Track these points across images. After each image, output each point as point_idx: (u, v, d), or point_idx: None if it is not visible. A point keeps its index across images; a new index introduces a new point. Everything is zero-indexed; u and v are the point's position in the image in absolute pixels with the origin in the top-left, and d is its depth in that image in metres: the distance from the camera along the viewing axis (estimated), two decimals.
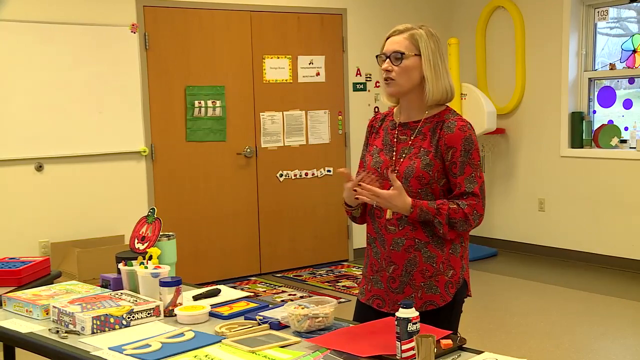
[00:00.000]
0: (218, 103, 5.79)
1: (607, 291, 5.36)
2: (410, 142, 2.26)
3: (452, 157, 2.20)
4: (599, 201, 6.07)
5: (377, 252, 2.31)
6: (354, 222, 2.44)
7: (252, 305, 2.30)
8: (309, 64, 6.25)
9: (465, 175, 2.20)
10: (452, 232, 2.21)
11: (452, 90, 2.26)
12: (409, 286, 2.25)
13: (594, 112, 6.27)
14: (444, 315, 2.24)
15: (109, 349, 1.94)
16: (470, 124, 2.26)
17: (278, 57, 6.09)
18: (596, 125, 6.22)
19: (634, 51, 5.94)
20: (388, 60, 2.23)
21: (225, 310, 2.25)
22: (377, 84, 6.70)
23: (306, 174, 6.29)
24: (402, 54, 2.21)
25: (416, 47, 2.21)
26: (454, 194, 2.21)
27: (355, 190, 2.20)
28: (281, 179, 6.16)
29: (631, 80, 6.08)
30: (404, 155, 2.25)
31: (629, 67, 5.98)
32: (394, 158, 2.27)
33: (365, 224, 2.41)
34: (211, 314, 2.22)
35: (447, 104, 2.31)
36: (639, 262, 5.82)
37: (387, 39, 2.27)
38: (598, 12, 6.16)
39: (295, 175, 6.23)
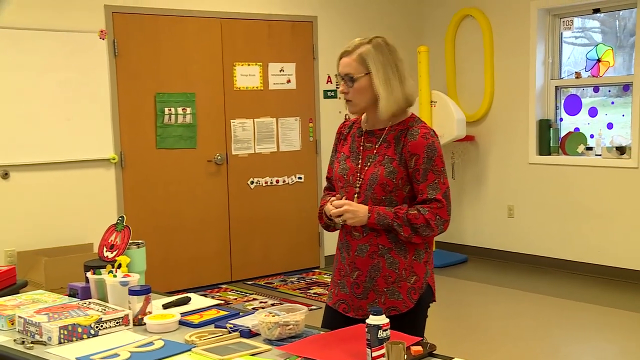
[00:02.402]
0: (188, 110, 5.76)
1: (576, 297, 5.43)
2: (375, 150, 2.31)
3: (415, 164, 2.24)
4: (567, 207, 6.16)
5: (344, 258, 2.36)
6: (327, 230, 2.47)
7: (222, 313, 2.29)
8: (280, 71, 6.26)
9: (428, 182, 2.24)
10: (417, 237, 2.24)
11: (410, 98, 2.30)
12: (372, 292, 2.29)
13: (561, 119, 6.37)
14: (407, 321, 2.26)
15: (77, 359, 1.92)
16: (433, 131, 2.31)
17: (249, 65, 6.08)
18: (563, 133, 6.32)
19: (598, 60, 6.06)
20: (343, 82, 2.29)
21: (195, 319, 2.23)
22: None
23: (277, 181, 6.29)
24: (353, 77, 2.26)
25: (365, 66, 2.26)
26: (417, 201, 2.25)
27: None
28: (252, 186, 6.15)
29: (596, 89, 6.20)
30: (369, 163, 2.30)
31: (593, 76, 6.09)
32: (359, 165, 2.31)
33: (337, 232, 2.45)
34: (181, 323, 2.20)
35: (412, 112, 2.36)
36: (607, 268, 5.91)
37: (340, 59, 2.33)
38: (563, 21, 6.28)
39: (266, 182, 6.23)
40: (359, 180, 2.29)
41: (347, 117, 6.70)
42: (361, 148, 2.34)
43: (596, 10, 6.06)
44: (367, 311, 2.23)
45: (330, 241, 6.41)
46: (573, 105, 6.30)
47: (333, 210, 2.24)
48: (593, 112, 6.18)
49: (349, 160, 2.35)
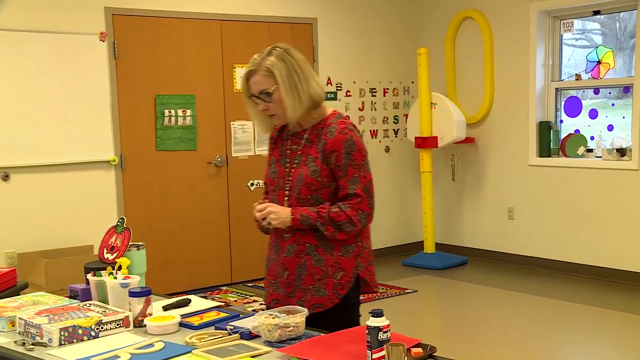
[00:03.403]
0: (188, 112, 5.76)
1: (575, 298, 5.43)
2: (300, 151, 2.36)
3: (336, 160, 2.30)
4: (567, 209, 6.16)
5: (275, 259, 2.41)
6: (265, 233, 2.50)
7: (222, 315, 2.29)
8: None
9: (348, 177, 2.30)
10: (341, 234, 2.29)
11: (316, 97, 2.32)
12: (299, 290, 2.35)
13: (561, 121, 6.37)
14: (333, 317, 2.31)
15: None
16: (353, 125, 2.37)
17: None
18: (563, 135, 6.32)
19: (599, 62, 6.06)
20: (261, 100, 2.31)
21: (195, 321, 2.24)
22: (348, 93, 6.73)
23: None
24: (269, 92, 2.28)
25: (274, 78, 2.28)
26: (339, 197, 2.31)
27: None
28: (252, 188, 6.15)
29: (596, 91, 6.20)
30: (295, 165, 2.35)
31: (594, 78, 6.09)
32: (287, 168, 2.37)
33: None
34: (181, 324, 2.20)
35: (333, 109, 2.41)
36: (607, 269, 5.91)
37: (247, 79, 2.33)
38: (564, 23, 6.28)
39: None
40: (288, 182, 2.35)
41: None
42: (288, 151, 2.39)
43: (596, 12, 6.06)
44: None
45: None
46: (573, 107, 6.30)
47: (257, 214, 2.31)
48: (593, 114, 6.19)
49: (278, 164, 2.41)
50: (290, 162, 2.37)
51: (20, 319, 2.18)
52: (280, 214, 2.29)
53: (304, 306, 2.23)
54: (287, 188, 2.35)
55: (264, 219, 2.31)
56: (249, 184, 6.12)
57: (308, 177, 2.30)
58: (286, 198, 2.35)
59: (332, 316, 2.31)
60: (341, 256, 2.34)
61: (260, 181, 6.18)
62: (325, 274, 2.33)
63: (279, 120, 2.35)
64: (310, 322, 2.10)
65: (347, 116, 2.44)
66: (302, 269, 2.34)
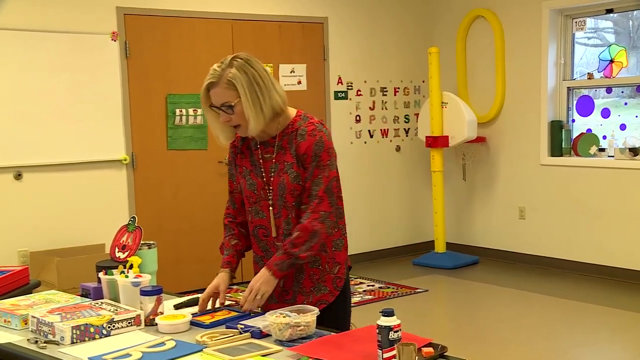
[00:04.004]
0: (199, 111, 5.77)
1: (586, 298, 5.41)
2: (274, 159, 2.31)
3: (305, 162, 2.27)
4: (579, 209, 6.13)
5: None
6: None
7: (233, 314, 2.30)
8: (291, 72, 6.26)
9: (312, 178, 2.27)
10: (315, 245, 2.26)
11: (276, 107, 2.26)
12: (300, 294, 2.35)
13: (573, 120, 6.34)
14: (336, 307, 2.35)
15: (89, 358, 1.93)
16: (320, 123, 2.32)
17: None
18: (575, 134, 6.29)
19: (611, 61, 6.03)
20: (222, 112, 2.23)
21: (206, 319, 2.24)
22: (359, 93, 6.72)
23: None
24: (231, 105, 2.21)
25: (236, 91, 2.21)
26: (304, 202, 2.28)
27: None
28: None
29: (609, 90, 6.16)
30: (272, 174, 2.31)
31: (606, 77, 6.06)
32: (264, 178, 2.32)
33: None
34: (192, 323, 2.21)
35: (298, 110, 2.35)
36: (618, 269, 5.88)
37: (208, 90, 2.25)
38: (576, 22, 6.24)
39: None
40: (269, 192, 2.31)
41: (358, 119, 6.71)
42: (261, 160, 2.34)
43: (609, 11, 6.02)
44: None
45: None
46: (585, 106, 6.27)
47: (251, 306, 2.25)
48: (606, 113, 6.15)
49: (253, 175, 2.35)
50: (266, 171, 2.32)
51: (32, 317, 2.19)
52: (265, 284, 2.24)
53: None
54: (270, 198, 2.32)
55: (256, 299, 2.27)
56: None
57: (290, 183, 2.27)
58: (270, 208, 2.32)
59: (336, 306, 2.34)
60: (334, 251, 2.36)
61: None
62: (323, 271, 2.34)
63: (243, 131, 2.27)
64: (317, 318, 2.10)
65: (311, 116, 2.36)
66: (299, 273, 2.34)
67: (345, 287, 2.40)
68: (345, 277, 2.39)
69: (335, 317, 2.31)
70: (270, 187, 2.31)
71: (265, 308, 2.36)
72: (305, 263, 2.31)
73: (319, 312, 2.10)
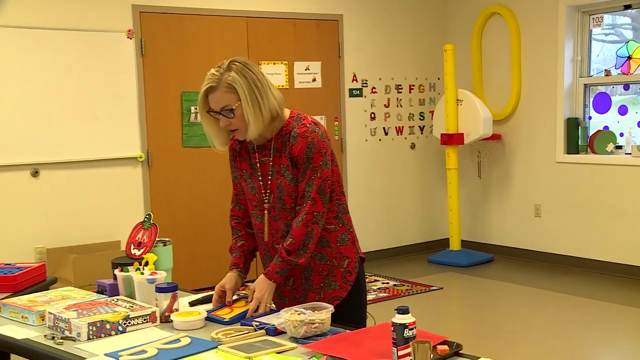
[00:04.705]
0: None
1: (603, 297, 5.36)
2: (271, 162, 2.32)
3: (298, 164, 2.27)
4: (595, 207, 6.08)
5: None
6: None
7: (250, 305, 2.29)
8: (305, 69, 6.26)
9: (305, 180, 2.27)
10: (311, 246, 2.26)
11: (274, 110, 2.26)
12: (311, 292, 2.36)
13: (590, 118, 6.28)
14: (349, 302, 2.36)
15: (105, 355, 1.94)
16: (314, 123, 2.30)
17: (274, 63, 6.09)
18: (592, 131, 6.24)
19: (629, 57, 5.97)
20: (222, 116, 2.24)
21: (225, 314, 2.24)
22: (374, 90, 6.71)
23: None
24: (232, 108, 2.22)
25: (236, 94, 2.21)
26: (298, 203, 2.28)
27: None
28: None
29: (626, 87, 6.11)
30: (270, 177, 2.32)
31: (624, 74, 6.00)
32: (261, 181, 2.33)
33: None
34: (211, 319, 2.21)
35: (291, 110, 2.35)
36: (635, 267, 5.83)
37: (206, 95, 2.26)
38: (593, 18, 6.19)
39: None
40: (267, 195, 2.32)
41: (373, 117, 6.70)
42: (259, 164, 2.35)
43: (627, 7, 5.96)
44: None
45: (361, 238, 6.40)
46: (602, 104, 6.21)
47: (258, 312, 2.24)
48: (623, 110, 6.09)
49: (252, 178, 2.36)
50: (264, 174, 2.33)
51: (49, 313, 2.20)
52: (265, 291, 2.25)
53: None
54: (268, 201, 2.33)
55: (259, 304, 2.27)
56: None
57: (288, 186, 2.28)
58: (266, 212, 2.33)
59: (349, 301, 2.35)
60: (340, 246, 2.36)
61: None
62: (332, 266, 2.34)
63: (242, 134, 2.27)
64: (332, 314, 2.11)
65: (306, 116, 2.36)
66: (308, 271, 2.34)
67: (357, 280, 2.40)
68: (356, 271, 2.39)
69: (349, 309, 2.33)
70: (269, 190, 2.32)
71: (279, 307, 2.38)
72: (313, 260, 2.32)
73: (335, 307, 2.11)
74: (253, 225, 2.43)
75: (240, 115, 2.22)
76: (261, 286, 2.26)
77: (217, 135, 2.32)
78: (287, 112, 2.34)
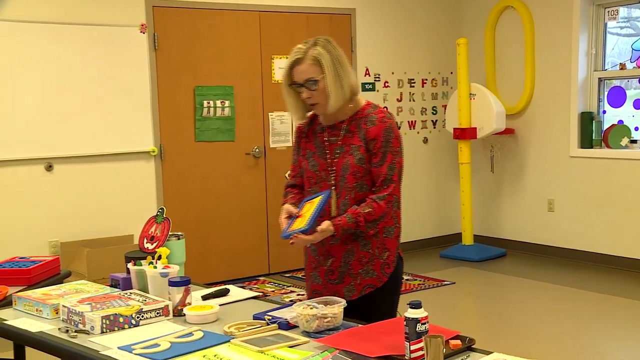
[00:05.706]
0: (227, 103, 5.79)
1: (616, 292, 5.33)
2: (340, 142, 2.41)
3: (374, 147, 2.36)
4: (609, 201, 6.04)
5: (315, 249, 2.46)
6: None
7: (313, 207, 2.30)
8: None
9: (387, 163, 2.36)
10: (380, 225, 2.36)
11: (354, 88, 2.41)
12: (348, 275, 2.41)
13: (604, 112, 6.24)
14: (382, 294, 2.41)
15: (118, 348, 1.95)
16: (390, 113, 2.45)
17: (287, 57, 6.07)
18: (606, 126, 6.19)
19: None
20: (305, 89, 2.36)
21: (300, 225, 2.26)
22: (386, 84, 6.69)
23: None
24: (316, 80, 2.34)
25: (321, 68, 2.35)
26: (377, 184, 2.36)
27: (291, 243, 2.33)
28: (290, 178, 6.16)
29: None
30: (337, 155, 2.40)
31: (639, 67, 5.95)
32: (328, 159, 2.42)
33: None
34: (287, 236, 2.26)
35: (367, 100, 2.47)
36: None
37: (292, 68, 2.39)
38: (608, 11, 6.13)
39: None
40: (332, 173, 2.40)
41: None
42: (326, 143, 2.44)
43: None
44: (343, 295, 2.37)
45: None
46: (617, 97, 6.16)
47: (296, 241, 2.30)
48: (638, 104, 6.04)
49: (316, 156, 2.46)
50: (331, 153, 2.41)
51: (63, 306, 2.22)
52: (323, 233, 2.30)
53: (354, 290, 2.36)
54: (332, 178, 2.40)
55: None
56: (286, 175, 6.14)
57: (355, 165, 2.36)
58: (333, 187, 2.40)
59: (382, 294, 2.40)
60: (385, 237, 2.41)
61: None
62: (372, 256, 2.40)
63: (320, 109, 2.39)
64: (363, 301, 2.21)
65: (385, 107, 2.47)
66: (349, 255, 2.40)
67: (394, 276, 2.44)
68: (394, 265, 2.44)
69: (381, 302, 2.39)
70: (334, 168, 2.40)
71: (311, 288, 2.45)
72: (357, 245, 2.39)
73: (366, 296, 2.14)
74: None
75: (322, 89, 2.33)
76: (324, 227, 2.29)
77: (296, 109, 2.45)
78: (363, 100, 2.46)
